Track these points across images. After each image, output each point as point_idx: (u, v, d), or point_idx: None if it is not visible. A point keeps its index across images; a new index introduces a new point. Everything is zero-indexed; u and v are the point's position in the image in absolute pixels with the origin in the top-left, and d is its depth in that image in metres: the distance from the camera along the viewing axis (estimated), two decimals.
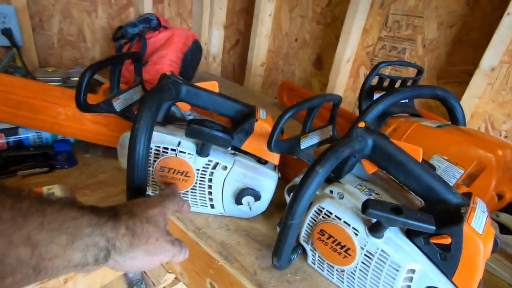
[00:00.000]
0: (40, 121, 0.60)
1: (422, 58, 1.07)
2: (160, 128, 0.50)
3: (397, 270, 0.37)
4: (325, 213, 0.43)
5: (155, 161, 0.49)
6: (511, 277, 0.52)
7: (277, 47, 1.49)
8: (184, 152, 0.48)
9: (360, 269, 0.41)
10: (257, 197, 0.51)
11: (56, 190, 0.50)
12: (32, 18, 1.09)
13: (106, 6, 1.29)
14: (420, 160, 0.42)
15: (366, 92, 0.67)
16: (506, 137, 0.96)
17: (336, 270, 0.44)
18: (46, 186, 0.50)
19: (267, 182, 0.51)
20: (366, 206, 0.36)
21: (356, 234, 0.40)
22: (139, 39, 0.99)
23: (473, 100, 0.93)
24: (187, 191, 0.51)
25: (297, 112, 0.43)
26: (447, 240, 0.35)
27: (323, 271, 0.46)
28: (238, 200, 0.51)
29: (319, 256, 0.45)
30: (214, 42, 1.67)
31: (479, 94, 0.92)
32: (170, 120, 0.55)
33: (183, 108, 0.55)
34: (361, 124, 0.46)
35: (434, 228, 0.34)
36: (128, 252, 0.31)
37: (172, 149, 0.48)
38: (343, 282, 0.44)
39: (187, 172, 0.49)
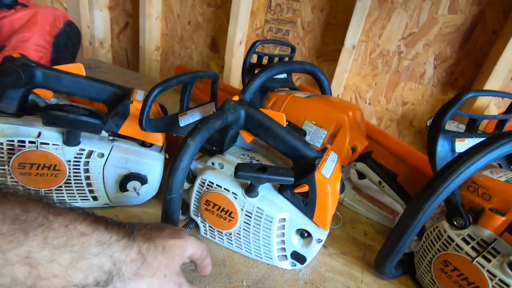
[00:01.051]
0: None
1: (303, 39, 1.19)
2: (12, 119, 0.43)
3: (271, 222, 0.43)
4: (208, 184, 0.45)
5: (10, 157, 0.42)
6: (367, 212, 0.65)
7: (171, 30, 1.43)
8: (47, 144, 0.43)
9: (244, 229, 0.45)
10: (143, 181, 0.50)
11: None
12: None
13: None
14: (284, 125, 0.47)
15: (247, 70, 0.72)
16: (369, 104, 1.17)
17: (225, 234, 0.47)
18: None
19: (151, 164, 0.50)
20: (236, 169, 0.39)
21: (236, 198, 0.43)
22: None
23: (343, 75, 1.10)
24: (61, 186, 0.46)
25: (165, 89, 0.43)
26: (306, 188, 0.42)
27: (214, 238, 0.49)
28: (122, 187, 0.49)
29: (209, 225, 0.48)
30: (99, 25, 1.50)
31: (346, 69, 1.09)
32: (31, 111, 0.48)
33: (44, 96, 0.49)
34: (235, 98, 0.49)
35: (293, 179, 0.40)
36: (131, 281, 0.27)
37: (30, 142, 0.42)
38: (232, 244, 0.48)
39: (55, 165, 0.44)
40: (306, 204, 0.43)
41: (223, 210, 0.45)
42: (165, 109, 0.55)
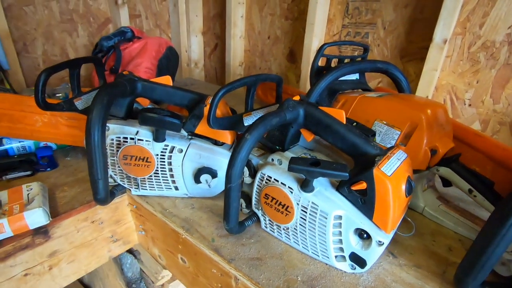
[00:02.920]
0: (20, 130, 0.66)
1: (384, 39, 1.12)
2: (121, 121, 0.56)
3: (326, 218, 0.42)
4: (267, 178, 0.48)
5: (117, 150, 0.54)
6: (455, 225, 0.56)
7: (252, 46, 1.55)
8: (142, 140, 0.53)
9: (300, 224, 0.46)
10: (213, 174, 0.56)
11: (34, 187, 0.56)
12: (16, 43, 1.17)
13: (85, 25, 1.37)
14: (344, 122, 0.46)
15: (315, 73, 0.73)
16: (470, 105, 1.00)
17: (283, 229, 0.49)
18: (25, 184, 0.56)
19: (221, 161, 0.56)
20: (289, 162, 0.41)
21: (292, 192, 0.45)
22: (114, 51, 1.06)
23: (432, 73, 0.98)
24: (151, 176, 0.57)
25: (229, 91, 0.48)
26: (364, 185, 0.40)
27: (274, 232, 0.51)
28: (197, 179, 0.56)
29: (269, 219, 0.50)
30: (194, 48, 1.74)
31: (436, 67, 0.96)
32: (134, 116, 0.60)
33: (143, 103, 0.61)
34: (296, 97, 0.51)
35: (347, 174, 0.39)
36: None
37: (131, 138, 0.54)
38: (289, 239, 0.48)
39: (147, 158, 0.54)
40: (364, 202, 0.41)
41: (280, 204, 0.46)
42: (235, 111, 0.61)
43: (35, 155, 0.71)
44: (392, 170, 0.40)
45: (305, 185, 0.43)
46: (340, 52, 1.24)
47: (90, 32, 1.39)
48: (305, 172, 0.41)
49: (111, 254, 0.67)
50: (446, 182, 0.58)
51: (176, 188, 0.58)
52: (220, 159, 0.56)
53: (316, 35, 1.21)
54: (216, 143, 0.58)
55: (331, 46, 1.26)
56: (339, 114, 0.47)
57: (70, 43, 1.34)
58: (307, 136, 0.50)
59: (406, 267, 0.47)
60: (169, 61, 1.18)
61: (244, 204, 0.55)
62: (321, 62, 0.77)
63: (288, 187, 0.45)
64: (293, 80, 1.45)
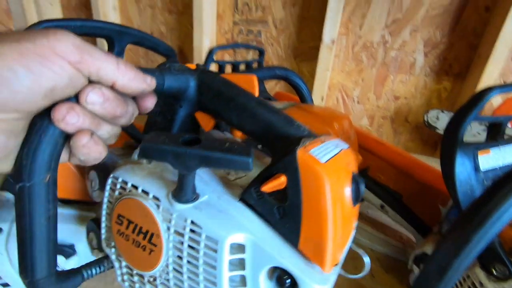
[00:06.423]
0: None
1: (277, 38, 1.07)
2: None
3: (216, 250, 0.23)
4: (120, 186, 0.26)
5: None
6: (369, 242, 0.47)
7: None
8: None
9: (174, 268, 0.25)
10: (66, 253, 0.30)
11: None
12: None
13: None
14: (256, 93, 0.30)
15: None
16: (358, 102, 1.03)
17: (148, 281, 0.27)
18: None
19: (74, 228, 0.31)
20: (142, 142, 0.21)
21: (158, 206, 0.25)
22: None
23: (325, 73, 0.96)
24: None
25: None
26: (282, 181, 0.23)
27: (134, 287, 0.29)
28: None
29: (125, 265, 0.28)
30: None
31: (328, 67, 0.95)
32: None
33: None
34: (191, 66, 0.33)
35: (249, 160, 0.22)
36: None
37: None
38: None
39: None
40: (284, 214, 0.24)
41: (140, 231, 0.26)
42: None
43: None
44: (326, 157, 0.24)
45: (180, 190, 0.24)
46: (234, 51, 1.14)
47: None
48: (172, 156, 0.21)
49: None
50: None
51: (5, 285, 0.30)
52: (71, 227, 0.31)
53: (206, 33, 1.07)
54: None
55: (221, 44, 1.15)
56: (249, 81, 0.30)
57: None
58: (205, 123, 0.32)
59: None
60: None
61: (94, 242, 0.32)
62: (215, 67, 0.62)
63: (153, 196, 0.25)
64: None
